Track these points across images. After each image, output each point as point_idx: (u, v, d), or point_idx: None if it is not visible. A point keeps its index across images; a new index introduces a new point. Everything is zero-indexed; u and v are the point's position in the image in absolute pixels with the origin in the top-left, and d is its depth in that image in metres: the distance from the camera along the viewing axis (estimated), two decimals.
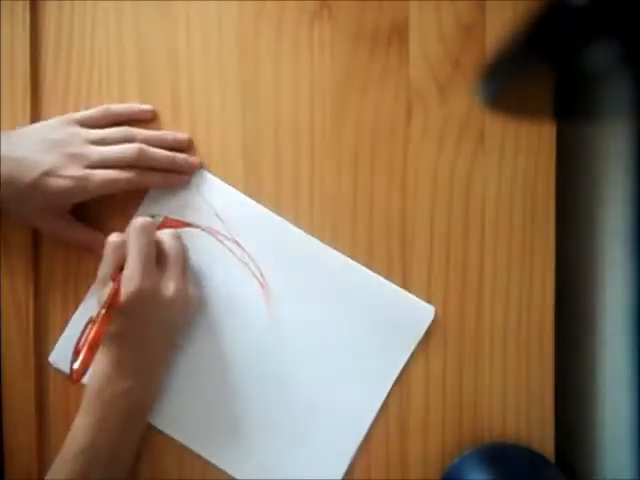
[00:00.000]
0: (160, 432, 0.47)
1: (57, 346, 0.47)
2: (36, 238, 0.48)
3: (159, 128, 0.48)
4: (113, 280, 0.42)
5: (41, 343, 0.48)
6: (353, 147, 0.47)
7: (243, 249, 0.47)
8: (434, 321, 0.47)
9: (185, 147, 0.47)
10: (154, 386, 0.45)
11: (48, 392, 0.48)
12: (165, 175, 0.46)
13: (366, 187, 0.47)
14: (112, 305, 0.40)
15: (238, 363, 0.47)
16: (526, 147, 0.46)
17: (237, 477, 0.46)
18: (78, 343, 0.39)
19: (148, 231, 0.43)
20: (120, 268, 0.42)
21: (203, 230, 0.47)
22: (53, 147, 0.43)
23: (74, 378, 0.38)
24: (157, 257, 0.43)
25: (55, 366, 0.47)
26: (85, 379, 0.40)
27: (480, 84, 0.21)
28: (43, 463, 0.47)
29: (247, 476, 0.46)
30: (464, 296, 0.47)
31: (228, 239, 0.47)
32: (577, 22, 0.15)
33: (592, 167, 0.48)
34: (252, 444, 0.46)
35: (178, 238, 0.45)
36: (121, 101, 0.48)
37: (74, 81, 0.48)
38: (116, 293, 0.40)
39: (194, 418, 0.47)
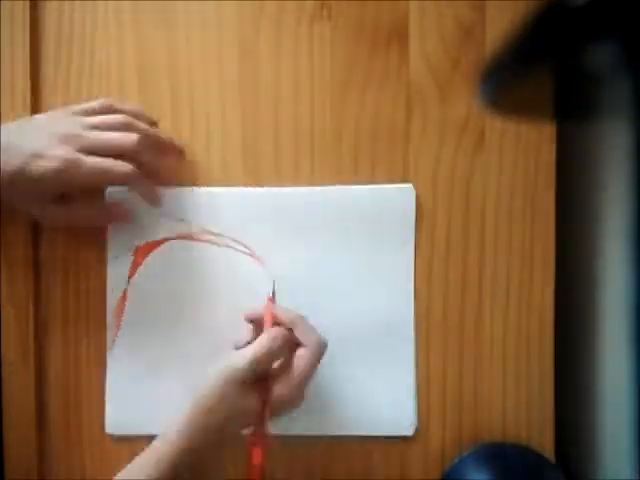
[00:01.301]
0: None
1: (107, 415, 0.47)
2: (36, 238, 0.48)
3: (164, 129, 0.47)
4: (263, 382, 0.39)
5: (41, 343, 0.48)
6: (353, 147, 0.47)
7: (220, 235, 0.47)
8: (434, 321, 0.47)
9: (177, 154, 0.47)
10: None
11: (48, 392, 0.48)
12: (150, 190, 0.45)
13: None
14: (264, 416, 0.38)
15: None
16: (526, 147, 0.46)
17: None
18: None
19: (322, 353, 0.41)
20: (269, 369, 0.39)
21: (177, 239, 0.47)
22: (44, 129, 0.41)
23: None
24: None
25: (115, 434, 0.47)
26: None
27: (480, 84, 0.21)
28: (43, 463, 0.48)
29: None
30: (464, 296, 0.47)
31: (205, 234, 0.47)
32: (577, 22, 0.15)
33: (592, 167, 0.48)
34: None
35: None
36: (121, 101, 0.47)
37: (74, 81, 0.48)
38: (267, 405, 0.38)
39: None
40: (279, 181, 0.47)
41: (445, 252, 0.47)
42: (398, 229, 0.46)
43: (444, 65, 0.47)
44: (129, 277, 0.47)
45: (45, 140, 0.40)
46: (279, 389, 0.39)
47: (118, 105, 0.45)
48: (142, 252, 0.47)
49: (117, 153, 0.42)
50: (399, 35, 0.47)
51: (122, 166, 0.41)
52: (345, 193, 0.47)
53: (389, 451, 0.47)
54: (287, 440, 0.46)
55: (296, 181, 0.47)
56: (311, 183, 0.47)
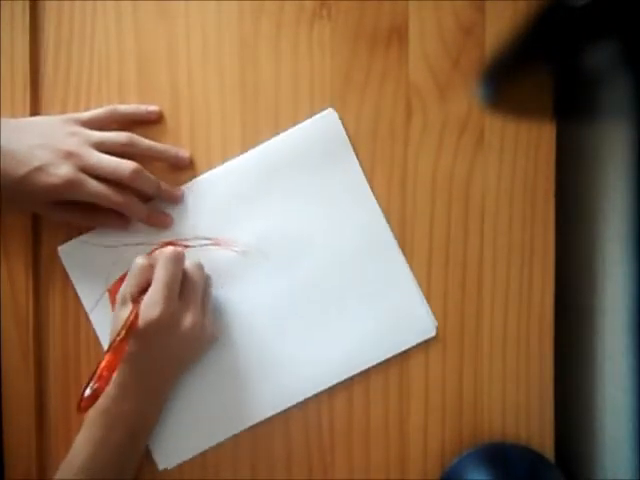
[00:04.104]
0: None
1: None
2: (36, 238, 0.48)
3: (164, 129, 0.48)
4: (133, 302, 0.42)
5: (41, 343, 0.48)
6: (353, 147, 0.47)
7: (183, 238, 0.47)
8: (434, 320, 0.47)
9: (184, 165, 0.47)
10: (156, 411, 0.45)
11: (48, 392, 0.48)
12: (149, 214, 0.46)
13: None
14: (130, 328, 0.40)
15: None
16: (526, 147, 0.46)
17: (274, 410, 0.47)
18: (99, 368, 0.37)
19: (178, 262, 0.42)
20: (142, 291, 0.42)
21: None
22: (49, 144, 0.42)
23: (82, 406, 0.36)
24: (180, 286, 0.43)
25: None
26: None
27: (480, 84, 0.21)
28: (43, 463, 0.48)
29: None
30: (464, 296, 0.47)
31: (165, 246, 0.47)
32: (577, 22, 0.15)
33: (592, 167, 0.48)
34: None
35: (201, 269, 0.45)
36: (121, 101, 0.48)
37: (74, 81, 0.48)
38: (135, 317, 0.40)
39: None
40: None
41: (445, 252, 0.47)
42: (337, 154, 0.47)
43: (444, 65, 0.47)
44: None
45: (49, 155, 0.42)
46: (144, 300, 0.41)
47: (121, 109, 0.46)
48: (114, 292, 0.46)
49: (115, 179, 0.43)
50: (399, 35, 0.47)
51: (118, 198, 0.43)
52: (277, 145, 0.47)
53: (389, 451, 0.47)
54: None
55: None
56: None
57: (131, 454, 0.44)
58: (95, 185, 0.43)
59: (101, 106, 0.47)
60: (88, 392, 0.36)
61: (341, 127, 0.46)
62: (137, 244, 0.47)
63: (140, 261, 0.43)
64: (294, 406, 0.47)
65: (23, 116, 0.47)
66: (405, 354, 0.47)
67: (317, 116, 0.47)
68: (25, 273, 0.47)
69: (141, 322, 0.40)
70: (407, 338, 0.47)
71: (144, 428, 0.45)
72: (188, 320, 0.42)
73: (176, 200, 0.47)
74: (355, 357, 0.47)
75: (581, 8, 0.14)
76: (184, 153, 0.47)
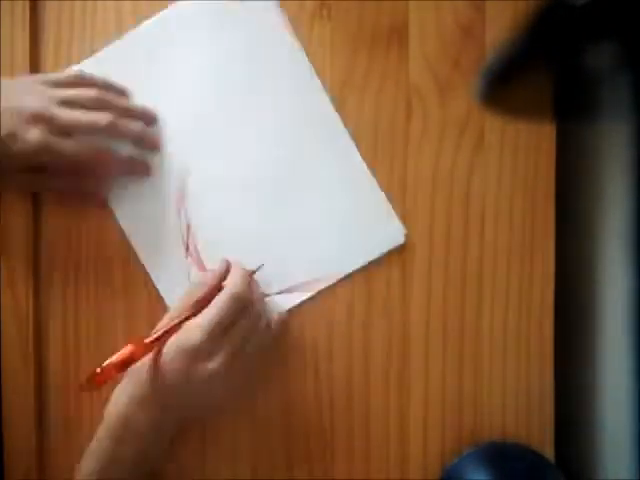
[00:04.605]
0: None
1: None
2: (36, 237, 0.48)
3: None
4: (192, 308, 0.40)
5: (41, 343, 0.48)
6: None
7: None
8: (433, 323, 0.47)
9: (151, 121, 0.46)
10: (170, 428, 0.43)
11: (48, 392, 0.48)
12: (130, 162, 0.45)
13: None
14: (164, 338, 0.39)
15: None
16: (526, 147, 0.46)
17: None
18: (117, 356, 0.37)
19: (248, 307, 0.40)
20: (208, 300, 0.40)
21: None
22: (14, 107, 0.39)
23: (97, 380, 0.36)
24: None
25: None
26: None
27: (479, 84, 0.21)
28: (43, 463, 0.47)
29: None
30: (464, 296, 0.47)
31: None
32: (577, 22, 0.15)
33: (592, 167, 0.48)
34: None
35: (277, 322, 0.43)
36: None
37: None
38: (173, 328, 0.39)
39: None
40: None
41: (445, 252, 0.47)
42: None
43: (444, 65, 0.47)
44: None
45: (15, 118, 0.39)
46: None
47: (87, 77, 0.44)
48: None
49: (91, 133, 0.41)
50: (399, 35, 0.47)
51: (104, 117, 0.41)
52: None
53: (389, 451, 0.47)
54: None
55: None
56: None
57: (141, 471, 0.42)
58: (74, 144, 0.40)
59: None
60: (95, 372, 0.36)
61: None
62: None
63: (237, 268, 0.42)
64: (293, 403, 0.47)
65: None
66: (406, 354, 0.47)
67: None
68: (25, 273, 0.47)
69: (179, 340, 0.39)
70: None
71: (156, 444, 0.42)
72: (215, 363, 0.39)
73: (156, 146, 0.46)
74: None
75: (581, 8, 0.14)
76: (150, 109, 0.46)
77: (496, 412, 0.47)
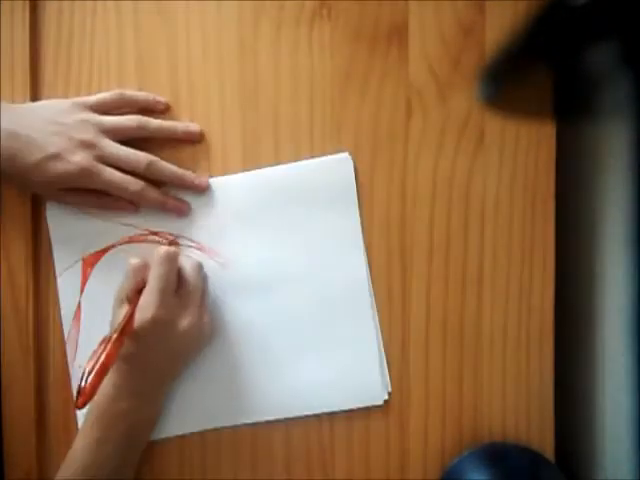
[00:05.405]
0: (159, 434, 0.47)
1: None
2: (36, 237, 0.48)
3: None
4: (129, 303, 0.42)
5: (41, 343, 0.48)
6: (353, 147, 0.47)
7: (164, 233, 0.47)
8: (434, 321, 0.47)
9: (197, 139, 0.47)
10: (154, 409, 0.45)
11: (48, 392, 0.48)
12: (163, 201, 0.46)
13: (366, 187, 0.47)
14: (125, 329, 0.40)
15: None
16: (526, 147, 0.46)
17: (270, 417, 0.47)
18: (92, 366, 0.37)
19: (172, 261, 0.42)
20: (138, 291, 0.42)
21: (122, 243, 0.47)
22: (63, 131, 0.42)
23: (79, 403, 0.36)
24: (177, 285, 0.43)
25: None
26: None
27: (480, 84, 0.21)
28: (43, 464, 0.48)
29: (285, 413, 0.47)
30: (464, 296, 0.47)
31: (149, 235, 0.47)
32: (577, 22, 0.15)
33: (592, 167, 0.48)
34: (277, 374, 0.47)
35: (199, 267, 0.45)
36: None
37: (74, 81, 0.48)
38: (130, 317, 0.40)
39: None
40: None
41: (445, 252, 0.47)
42: (342, 199, 0.47)
43: (444, 65, 0.47)
44: (81, 292, 0.47)
45: (65, 143, 0.42)
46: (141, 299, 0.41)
47: (127, 95, 0.46)
48: (89, 263, 0.47)
49: (130, 171, 0.44)
50: (399, 35, 0.47)
51: (135, 183, 0.44)
52: (285, 173, 0.47)
53: (389, 451, 0.47)
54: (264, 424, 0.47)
55: None
56: None
57: (130, 453, 0.44)
58: (111, 173, 0.43)
59: None
60: (84, 383, 0.36)
61: (352, 174, 0.46)
62: (125, 224, 0.47)
63: (134, 262, 0.43)
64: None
65: None
66: (406, 354, 0.47)
67: (332, 157, 0.47)
68: (25, 273, 0.47)
69: (137, 322, 0.40)
70: (356, 398, 0.47)
71: (143, 427, 0.44)
72: (185, 320, 0.42)
73: (200, 189, 0.46)
74: (307, 399, 0.47)
75: (581, 8, 0.14)
76: (194, 127, 0.47)
77: (496, 412, 0.47)
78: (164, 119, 0.47)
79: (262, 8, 0.47)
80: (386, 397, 0.46)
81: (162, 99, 0.47)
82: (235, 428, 0.47)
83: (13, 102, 0.47)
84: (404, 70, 0.47)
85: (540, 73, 0.19)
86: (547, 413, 0.47)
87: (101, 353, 0.38)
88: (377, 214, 0.47)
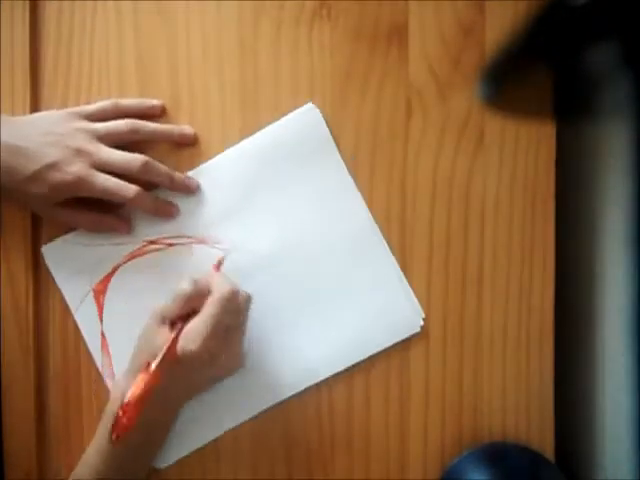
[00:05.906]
0: None
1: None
2: (36, 238, 0.48)
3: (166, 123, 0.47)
4: (171, 327, 0.40)
5: (41, 343, 0.48)
6: (353, 147, 0.47)
7: (160, 239, 0.47)
8: (434, 321, 0.47)
9: (190, 142, 0.47)
10: (168, 423, 0.45)
11: (48, 392, 0.48)
12: (156, 206, 0.46)
13: (366, 187, 0.47)
14: (166, 357, 0.38)
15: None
16: (526, 147, 0.46)
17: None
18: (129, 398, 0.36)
19: (233, 302, 0.40)
20: (183, 317, 0.40)
21: (126, 261, 0.47)
22: (58, 141, 0.42)
23: (113, 437, 0.35)
24: None
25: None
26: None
27: (480, 84, 0.21)
28: (43, 464, 0.48)
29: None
30: (464, 296, 0.47)
31: (147, 245, 0.47)
32: (577, 22, 0.15)
33: (592, 167, 0.48)
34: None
35: (249, 302, 0.43)
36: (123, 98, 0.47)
37: (74, 81, 0.48)
38: (173, 344, 0.39)
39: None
40: None
41: (445, 252, 0.47)
42: (321, 150, 0.46)
43: (444, 65, 0.47)
44: (100, 321, 0.47)
45: (60, 152, 0.42)
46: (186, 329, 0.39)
47: (122, 104, 0.46)
48: (100, 291, 0.47)
49: (125, 174, 0.43)
50: (399, 35, 0.47)
51: (128, 189, 0.43)
52: (260, 140, 0.47)
53: (389, 451, 0.47)
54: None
55: None
56: None
57: (144, 457, 0.43)
58: (105, 179, 0.43)
59: None
60: (119, 416, 0.35)
61: (323, 121, 0.46)
62: (121, 243, 0.47)
63: (188, 288, 0.40)
64: (293, 404, 0.47)
65: (23, 115, 0.47)
66: (406, 354, 0.47)
67: (298, 110, 0.46)
68: (25, 273, 0.47)
69: (179, 351, 0.39)
70: (393, 334, 0.46)
71: (155, 440, 0.44)
72: (225, 356, 0.41)
73: (190, 190, 0.46)
74: (343, 352, 0.46)
75: (581, 8, 0.14)
76: (188, 130, 0.47)
77: (496, 412, 0.47)
78: (163, 121, 0.47)
79: (262, 8, 0.47)
80: (422, 323, 0.46)
81: (157, 103, 0.47)
82: (235, 428, 0.47)
83: (13, 102, 0.47)
84: (404, 70, 0.47)
85: (540, 73, 0.19)
86: (547, 413, 0.47)
87: (141, 380, 0.37)
88: (377, 214, 0.47)
